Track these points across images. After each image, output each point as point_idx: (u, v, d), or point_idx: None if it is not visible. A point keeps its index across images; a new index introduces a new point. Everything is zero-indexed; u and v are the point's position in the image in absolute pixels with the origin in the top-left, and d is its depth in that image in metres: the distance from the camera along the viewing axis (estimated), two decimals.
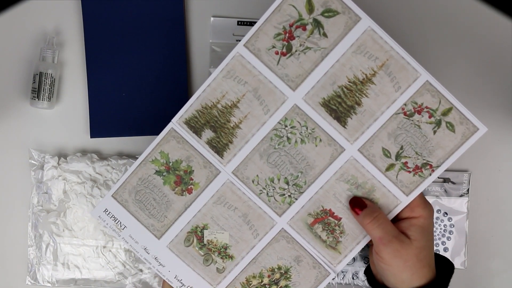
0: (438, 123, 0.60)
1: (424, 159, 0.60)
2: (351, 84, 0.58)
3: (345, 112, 0.59)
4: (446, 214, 0.83)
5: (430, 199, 0.82)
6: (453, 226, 0.83)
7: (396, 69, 0.59)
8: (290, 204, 0.62)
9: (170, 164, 0.59)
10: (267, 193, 0.61)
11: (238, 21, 0.82)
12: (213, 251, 0.61)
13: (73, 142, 0.82)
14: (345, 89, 0.59)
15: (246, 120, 0.60)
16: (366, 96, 0.59)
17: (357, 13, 0.58)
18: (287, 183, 0.61)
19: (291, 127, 0.59)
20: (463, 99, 0.83)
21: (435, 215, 0.83)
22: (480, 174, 0.83)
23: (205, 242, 0.61)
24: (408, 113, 0.59)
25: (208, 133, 0.61)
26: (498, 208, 0.83)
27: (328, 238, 0.62)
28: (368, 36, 0.58)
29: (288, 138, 0.60)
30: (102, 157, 0.81)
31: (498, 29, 0.83)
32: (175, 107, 0.81)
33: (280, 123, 0.59)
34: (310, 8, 0.57)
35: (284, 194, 0.61)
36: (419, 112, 0.60)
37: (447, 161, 0.61)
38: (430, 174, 0.61)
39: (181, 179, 0.59)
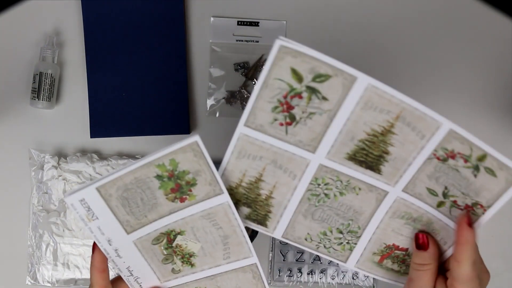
0: (476, 168, 0.56)
1: (472, 199, 0.56)
2: (371, 137, 0.54)
3: (375, 161, 0.55)
4: None
5: None
6: None
7: (414, 119, 0.53)
8: (351, 250, 0.60)
9: (176, 172, 0.56)
10: (324, 246, 0.60)
11: (238, 21, 0.82)
12: (177, 254, 0.60)
13: (73, 142, 0.82)
14: (367, 142, 0.55)
15: (276, 190, 0.57)
16: (392, 145, 0.54)
17: (351, 73, 0.52)
18: (341, 232, 0.59)
19: (324, 185, 0.57)
20: (463, 99, 0.83)
21: None
22: None
23: (173, 245, 0.59)
24: (441, 158, 0.55)
25: (244, 210, 0.59)
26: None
27: (401, 268, 0.61)
28: (372, 92, 0.52)
29: (326, 195, 0.57)
30: (102, 157, 0.81)
31: (498, 29, 0.83)
32: (175, 107, 0.81)
33: (312, 184, 0.57)
34: (298, 78, 0.53)
35: (342, 243, 0.60)
36: (452, 157, 0.55)
37: (498, 202, 0.55)
38: (483, 213, 0.56)
39: (179, 188, 0.57)
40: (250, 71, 0.82)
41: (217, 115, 0.82)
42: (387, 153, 0.55)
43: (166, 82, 0.81)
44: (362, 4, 0.83)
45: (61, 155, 0.81)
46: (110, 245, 0.57)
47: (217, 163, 0.81)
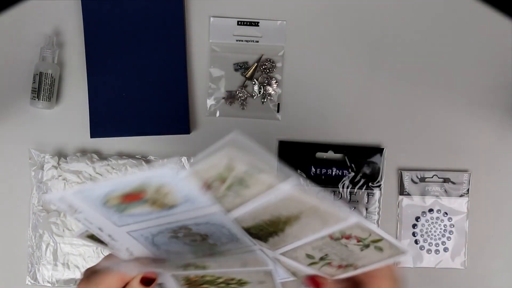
0: (366, 246, 0.56)
1: (349, 263, 0.57)
2: (275, 219, 0.54)
3: (265, 235, 0.56)
4: (446, 214, 0.83)
5: (430, 199, 0.83)
6: (453, 226, 0.83)
7: (324, 212, 0.53)
8: None
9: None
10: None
11: (238, 21, 0.82)
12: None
13: (73, 142, 0.82)
14: (268, 222, 0.55)
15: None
16: (291, 226, 0.55)
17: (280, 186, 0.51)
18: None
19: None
20: (463, 99, 0.83)
21: (436, 215, 0.83)
22: (480, 174, 0.83)
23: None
24: (334, 237, 0.55)
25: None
26: (498, 208, 0.83)
27: None
28: (294, 193, 0.51)
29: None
30: (102, 157, 0.81)
31: (498, 29, 0.83)
32: (175, 107, 0.81)
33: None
34: (229, 170, 0.51)
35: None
36: (347, 238, 0.55)
37: (374, 265, 0.56)
38: (354, 270, 0.57)
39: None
40: (249, 71, 0.82)
41: (217, 115, 0.82)
42: (282, 230, 0.55)
43: (166, 82, 0.81)
44: (362, 4, 0.83)
45: (61, 155, 0.81)
46: (102, 232, 0.56)
47: None
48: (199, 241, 0.58)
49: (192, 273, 0.60)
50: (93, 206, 0.53)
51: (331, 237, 0.55)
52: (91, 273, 0.60)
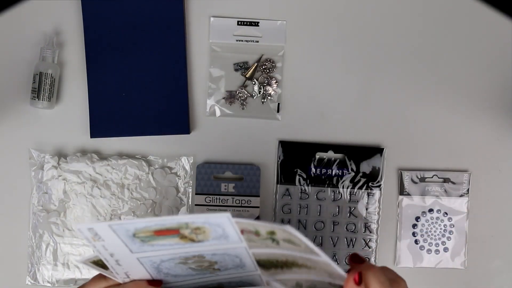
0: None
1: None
2: (289, 260, 0.57)
3: (271, 266, 0.58)
4: (446, 214, 0.83)
5: (430, 199, 0.83)
6: (453, 226, 0.83)
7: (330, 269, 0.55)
8: None
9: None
10: None
11: (238, 21, 0.82)
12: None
13: (73, 142, 0.82)
14: (281, 261, 0.57)
15: None
16: (299, 267, 0.57)
17: (317, 252, 0.53)
18: None
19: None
20: (463, 99, 0.83)
21: (436, 215, 0.83)
22: (480, 174, 0.83)
23: None
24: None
25: None
26: (498, 208, 0.83)
27: None
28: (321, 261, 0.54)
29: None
30: (102, 157, 0.81)
31: (498, 29, 0.83)
32: (175, 107, 0.81)
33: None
34: (271, 233, 0.54)
35: None
36: None
37: None
38: None
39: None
40: (249, 71, 0.82)
41: (217, 115, 0.82)
42: (289, 267, 0.57)
43: (166, 82, 0.81)
44: (362, 4, 0.83)
45: (61, 155, 0.81)
46: (111, 257, 0.56)
47: (214, 163, 0.82)
48: (205, 266, 0.58)
49: None
50: (120, 236, 0.53)
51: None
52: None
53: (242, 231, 0.52)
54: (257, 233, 0.53)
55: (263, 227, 0.52)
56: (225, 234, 0.52)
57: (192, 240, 0.53)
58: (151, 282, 0.59)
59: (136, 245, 0.54)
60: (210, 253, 0.56)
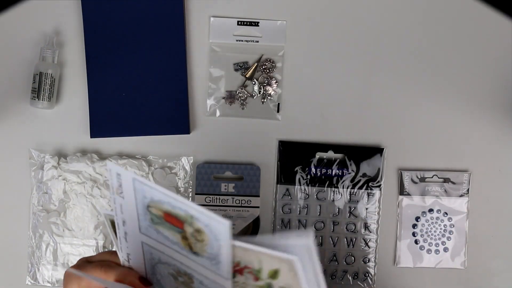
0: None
1: None
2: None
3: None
4: (446, 214, 0.83)
5: (430, 199, 0.83)
6: (453, 226, 0.83)
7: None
8: None
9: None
10: None
11: (238, 21, 0.82)
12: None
13: (73, 142, 0.82)
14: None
15: None
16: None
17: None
18: None
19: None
20: (463, 99, 0.83)
21: (436, 215, 0.83)
22: (480, 174, 0.83)
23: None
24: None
25: None
26: (498, 208, 0.83)
27: None
28: None
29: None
30: (102, 157, 0.81)
31: (498, 29, 0.83)
32: (175, 107, 0.81)
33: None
34: (273, 276, 0.51)
35: None
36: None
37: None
38: None
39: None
40: (249, 71, 0.82)
41: (217, 115, 0.82)
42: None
43: (166, 82, 0.81)
44: (362, 4, 0.83)
45: (61, 155, 0.81)
46: (123, 225, 0.56)
47: (214, 163, 0.82)
48: None
49: None
50: (137, 200, 0.53)
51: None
52: (83, 263, 0.60)
53: (240, 269, 0.51)
54: (257, 274, 0.51)
55: (269, 259, 0.49)
56: (218, 257, 0.51)
57: (190, 248, 0.53)
58: (142, 279, 0.59)
59: (146, 223, 0.54)
60: (199, 278, 0.55)
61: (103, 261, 0.60)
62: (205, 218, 0.50)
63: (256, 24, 0.82)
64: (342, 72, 0.83)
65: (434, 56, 0.83)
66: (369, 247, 0.82)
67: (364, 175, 0.82)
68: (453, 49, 0.83)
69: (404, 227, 0.83)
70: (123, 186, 0.54)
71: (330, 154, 0.83)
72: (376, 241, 0.83)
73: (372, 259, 0.82)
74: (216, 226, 0.50)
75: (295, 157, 0.82)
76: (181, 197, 0.51)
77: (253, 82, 0.82)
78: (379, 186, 0.83)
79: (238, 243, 0.50)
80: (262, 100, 0.82)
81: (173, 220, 0.52)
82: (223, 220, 0.49)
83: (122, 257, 0.60)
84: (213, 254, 0.52)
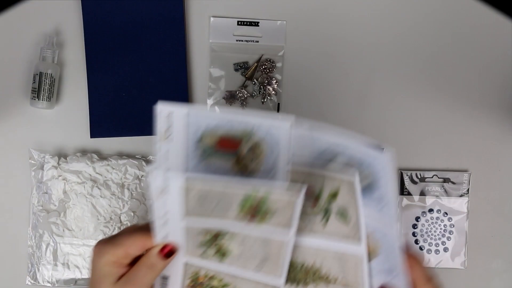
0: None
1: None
2: (312, 269, 0.57)
3: (289, 279, 0.58)
4: (446, 214, 0.83)
5: (430, 199, 0.83)
6: (453, 226, 0.83)
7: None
8: None
9: (260, 208, 0.55)
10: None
11: (238, 21, 0.82)
12: (215, 245, 0.58)
13: (73, 142, 0.82)
14: (303, 267, 0.57)
15: None
16: (315, 286, 0.58)
17: (361, 237, 0.54)
18: None
19: None
20: (463, 99, 0.83)
21: (436, 215, 0.83)
22: (480, 174, 0.83)
23: (216, 242, 0.58)
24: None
25: None
26: (498, 208, 0.83)
27: None
28: (354, 260, 0.55)
29: None
30: (102, 157, 0.81)
31: (498, 29, 0.83)
32: None
33: None
34: (332, 199, 0.54)
35: None
36: None
37: None
38: None
39: (254, 213, 0.55)
40: (249, 71, 0.82)
41: None
42: (305, 285, 0.57)
43: (166, 82, 0.81)
44: (362, 4, 0.83)
45: (61, 155, 0.81)
46: (167, 178, 0.55)
47: None
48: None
49: (205, 268, 0.59)
50: (188, 136, 0.53)
51: None
52: (114, 235, 0.59)
53: (310, 195, 0.53)
54: (317, 198, 0.53)
55: (331, 181, 0.51)
56: (274, 168, 0.52)
57: (244, 169, 0.53)
58: (164, 248, 0.57)
59: (193, 162, 0.54)
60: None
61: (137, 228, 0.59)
62: (266, 125, 0.51)
63: (256, 24, 0.82)
64: (342, 72, 0.83)
65: (434, 56, 0.83)
66: None
67: None
68: (453, 49, 0.83)
69: (404, 227, 0.83)
70: (173, 126, 0.53)
71: None
72: None
73: None
74: (275, 131, 0.51)
75: None
76: (240, 111, 0.51)
77: (253, 82, 0.82)
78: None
79: (300, 168, 0.52)
80: (262, 100, 0.82)
81: (227, 144, 0.52)
82: (285, 118, 0.50)
83: (156, 223, 0.57)
84: (268, 168, 0.52)
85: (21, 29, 0.81)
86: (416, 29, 0.83)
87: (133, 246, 0.57)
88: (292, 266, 0.58)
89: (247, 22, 0.82)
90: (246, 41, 0.82)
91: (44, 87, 0.79)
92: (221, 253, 0.58)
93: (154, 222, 0.56)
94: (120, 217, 0.80)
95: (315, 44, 0.83)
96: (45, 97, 0.79)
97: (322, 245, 0.56)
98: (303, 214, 0.55)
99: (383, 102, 0.83)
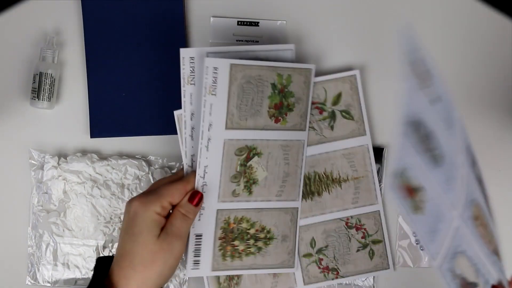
0: (365, 246, 0.69)
1: (334, 266, 0.69)
2: (324, 175, 0.67)
3: (305, 194, 0.68)
4: None
5: None
6: None
7: (364, 187, 0.68)
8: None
9: (286, 90, 0.64)
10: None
11: (238, 21, 0.82)
12: (245, 176, 0.63)
13: (73, 142, 0.82)
14: (316, 177, 0.67)
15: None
16: (328, 192, 0.67)
17: (366, 129, 0.68)
18: None
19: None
20: (463, 99, 0.83)
21: None
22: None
23: (247, 164, 0.63)
24: (349, 224, 0.68)
25: None
26: (498, 208, 0.83)
27: None
28: (362, 150, 0.68)
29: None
30: (102, 157, 0.81)
31: (498, 29, 0.83)
32: (175, 107, 0.81)
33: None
34: (336, 101, 0.67)
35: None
36: (357, 229, 0.68)
37: (352, 277, 0.69)
38: (333, 279, 0.69)
39: (281, 107, 0.63)
40: None
41: None
42: (319, 194, 0.69)
43: (166, 82, 0.81)
44: (362, 4, 0.83)
45: (61, 155, 0.81)
46: (208, 130, 0.61)
47: None
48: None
49: (235, 211, 0.66)
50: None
51: (347, 223, 0.68)
52: (149, 190, 0.65)
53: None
54: (323, 106, 0.65)
55: (333, 84, 0.66)
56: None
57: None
58: (194, 196, 0.64)
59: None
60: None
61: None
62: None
63: (256, 24, 0.82)
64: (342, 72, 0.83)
65: (433, 55, 0.83)
66: None
67: None
68: (453, 49, 0.83)
69: (404, 227, 0.83)
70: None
71: None
72: None
73: None
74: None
75: None
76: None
77: None
78: (379, 186, 0.82)
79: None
80: None
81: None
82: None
83: (198, 175, 0.65)
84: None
85: (21, 29, 0.81)
86: (416, 29, 0.83)
87: (176, 195, 0.62)
88: (306, 181, 0.67)
89: (247, 22, 0.82)
90: (246, 41, 0.82)
91: (44, 87, 0.79)
92: (249, 185, 0.64)
93: (195, 154, 0.64)
94: (120, 217, 0.80)
95: (315, 44, 0.83)
96: (45, 97, 0.79)
97: (331, 148, 0.66)
98: (313, 122, 0.66)
99: (383, 102, 0.83)
